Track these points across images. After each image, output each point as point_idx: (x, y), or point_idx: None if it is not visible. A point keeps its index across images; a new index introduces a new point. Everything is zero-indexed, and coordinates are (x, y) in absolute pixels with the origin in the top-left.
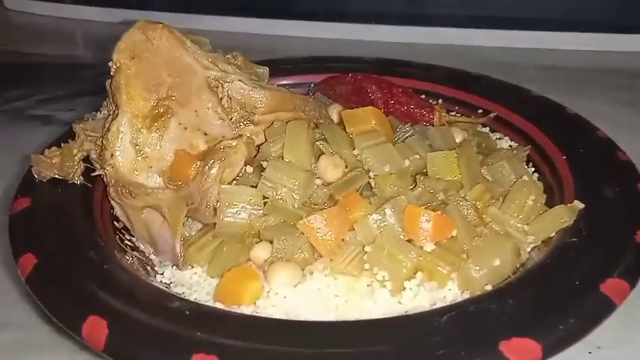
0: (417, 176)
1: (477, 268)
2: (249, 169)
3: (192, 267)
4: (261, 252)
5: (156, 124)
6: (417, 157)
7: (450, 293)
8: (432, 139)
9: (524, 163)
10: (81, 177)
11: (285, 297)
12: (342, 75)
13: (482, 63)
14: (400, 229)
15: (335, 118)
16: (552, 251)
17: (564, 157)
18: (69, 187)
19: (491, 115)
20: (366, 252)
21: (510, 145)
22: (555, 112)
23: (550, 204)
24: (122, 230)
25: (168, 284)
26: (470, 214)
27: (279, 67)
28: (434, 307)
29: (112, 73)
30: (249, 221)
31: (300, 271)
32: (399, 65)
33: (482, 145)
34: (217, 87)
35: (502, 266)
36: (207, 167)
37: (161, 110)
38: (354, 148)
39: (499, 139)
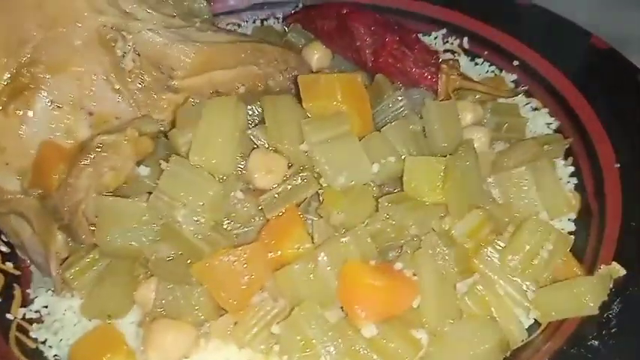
0: (379, 200)
1: None
2: (145, 170)
3: (73, 295)
4: (149, 294)
5: (13, 104)
6: (392, 160)
7: None
8: (427, 121)
9: (563, 156)
10: None
11: None
12: (324, 6)
13: None
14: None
15: (315, 63)
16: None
17: (618, 166)
18: None
19: (521, 89)
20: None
21: (548, 124)
22: (625, 82)
23: (584, 236)
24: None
25: (32, 321)
26: (449, 269)
27: None
28: None
29: None
30: (139, 246)
31: (191, 336)
32: None
33: (503, 127)
34: (115, 41)
35: None
36: (71, 177)
37: (24, 81)
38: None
39: (535, 109)
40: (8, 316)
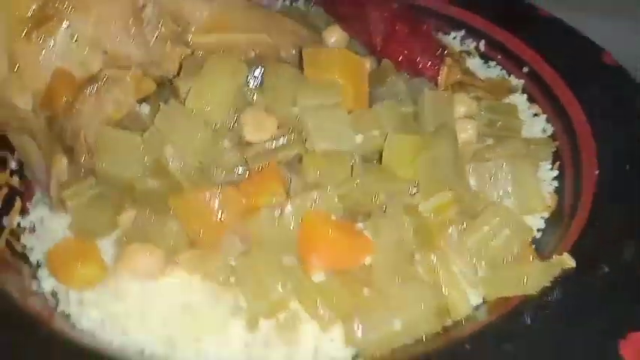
0: (354, 164)
1: (365, 329)
2: (146, 108)
3: (67, 214)
4: (131, 220)
5: (36, 32)
6: (376, 134)
7: (331, 346)
8: (421, 107)
9: (550, 160)
10: None
11: (127, 293)
12: None
13: None
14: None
15: (330, 46)
16: (485, 334)
17: (597, 172)
18: None
19: (516, 87)
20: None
21: (544, 130)
22: (623, 102)
23: (550, 235)
24: None
25: (25, 229)
26: (407, 236)
27: None
28: None
29: None
30: (131, 176)
31: (159, 261)
32: None
33: (496, 124)
34: None
35: (408, 329)
36: (77, 102)
37: (49, 13)
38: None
39: (535, 115)
40: (4, 221)
